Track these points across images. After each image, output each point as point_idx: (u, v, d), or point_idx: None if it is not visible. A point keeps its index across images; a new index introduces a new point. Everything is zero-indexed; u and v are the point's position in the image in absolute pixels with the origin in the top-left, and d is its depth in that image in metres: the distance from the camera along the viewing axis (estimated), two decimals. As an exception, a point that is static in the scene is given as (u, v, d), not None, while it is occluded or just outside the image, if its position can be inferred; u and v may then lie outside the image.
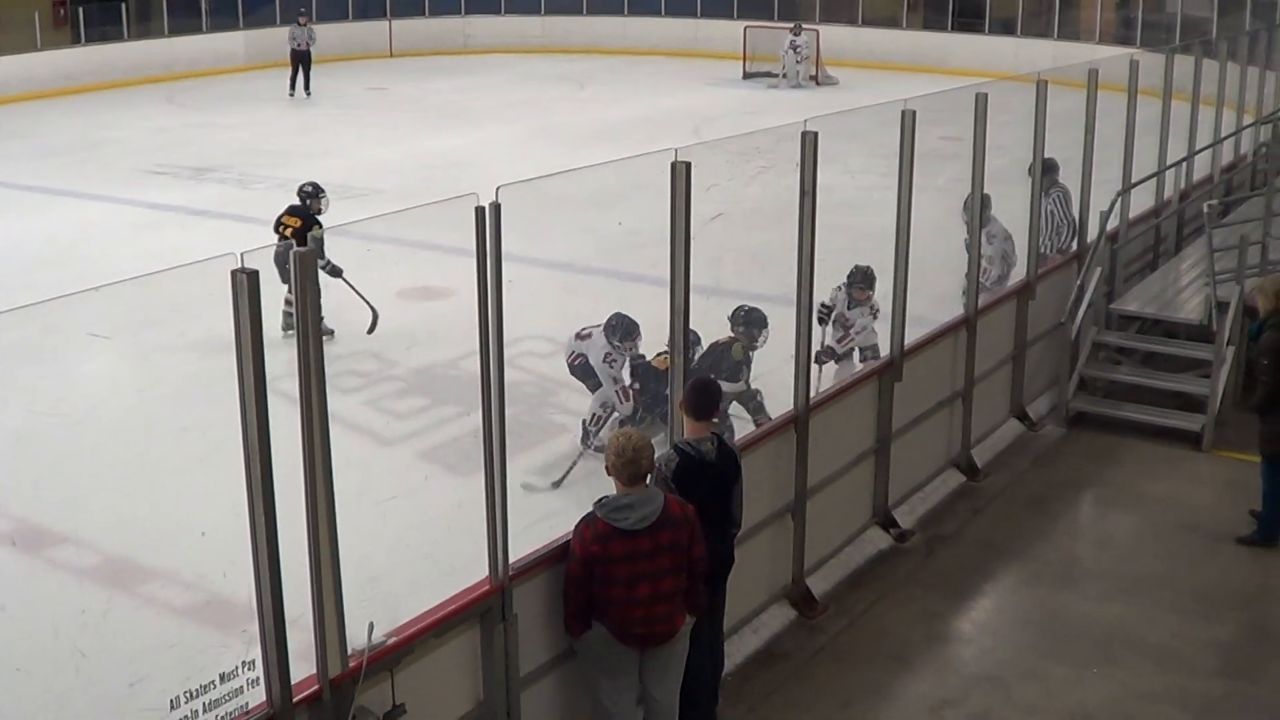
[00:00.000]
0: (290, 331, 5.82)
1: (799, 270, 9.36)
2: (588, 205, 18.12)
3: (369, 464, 11.63)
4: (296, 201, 15.88)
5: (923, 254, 11.51)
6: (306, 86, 36.43)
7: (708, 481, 7.81)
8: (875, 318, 12.26)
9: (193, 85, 37.24)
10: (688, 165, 7.81)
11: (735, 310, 11.58)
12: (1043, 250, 13.77)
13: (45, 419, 12.87)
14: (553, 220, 17.33)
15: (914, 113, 10.15)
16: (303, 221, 15.54)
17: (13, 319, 5.48)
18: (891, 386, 10.70)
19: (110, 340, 12.37)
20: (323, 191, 15.94)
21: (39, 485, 11.34)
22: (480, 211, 6.51)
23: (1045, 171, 13.27)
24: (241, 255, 5.41)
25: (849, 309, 12.35)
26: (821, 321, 12.13)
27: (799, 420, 9.50)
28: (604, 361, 11.68)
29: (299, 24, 37.06)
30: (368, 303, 14.45)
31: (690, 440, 7.86)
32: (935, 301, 12.63)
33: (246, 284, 5.40)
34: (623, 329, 11.58)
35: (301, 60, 36.52)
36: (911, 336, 11.08)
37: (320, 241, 12.50)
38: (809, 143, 8.93)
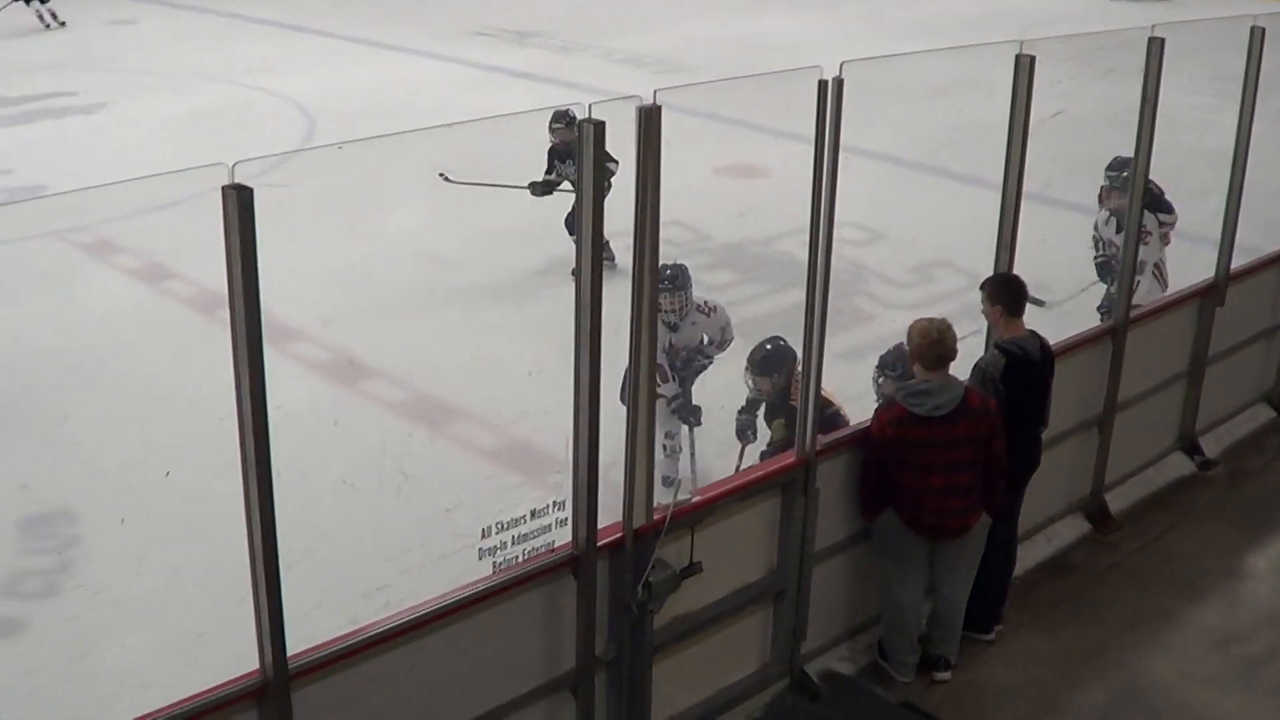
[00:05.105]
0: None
1: (1133, 179, 9.10)
2: (911, 97, 17.82)
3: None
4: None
5: (1254, 178, 11.09)
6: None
7: (1032, 381, 7.75)
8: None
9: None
10: (1032, 59, 7.63)
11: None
12: None
13: (369, 258, 13.31)
14: (873, 109, 17.13)
15: (1263, 29, 9.71)
16: None
17: (355, 152, 5.61)
18: (1213, 311, 10.37)
19: (453, 183, 12.54)
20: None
21: (352, 320, 11.79)
22: (823, 85, 6.47)
23: None
24: (590, 107, 5.47)
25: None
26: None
27: (1116, 332, 9.30)
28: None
29: None
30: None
31: (1015, 340, 7.76)
32: (1265, 230, 12.17)
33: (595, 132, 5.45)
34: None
35: None
36: (1238, 263, 10.71)
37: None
38: (1154, 49, 8.63)
